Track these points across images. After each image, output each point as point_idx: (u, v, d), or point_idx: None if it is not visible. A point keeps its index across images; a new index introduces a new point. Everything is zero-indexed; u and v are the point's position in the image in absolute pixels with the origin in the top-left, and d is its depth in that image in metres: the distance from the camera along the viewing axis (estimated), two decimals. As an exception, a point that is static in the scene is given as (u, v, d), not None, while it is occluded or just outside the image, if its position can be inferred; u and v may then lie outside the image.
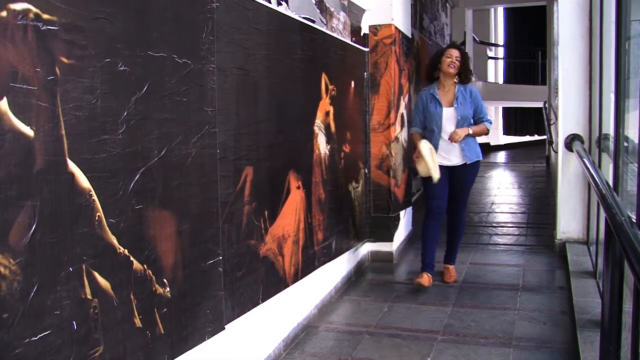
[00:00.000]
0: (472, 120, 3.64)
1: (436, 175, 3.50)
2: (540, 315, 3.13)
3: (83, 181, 1.51)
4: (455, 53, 3.63)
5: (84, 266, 1.52)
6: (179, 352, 1.92)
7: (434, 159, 3.53)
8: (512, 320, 3.07)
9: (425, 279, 3.61)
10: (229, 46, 2.23)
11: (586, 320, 2.71)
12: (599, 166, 3.45)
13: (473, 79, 10.55)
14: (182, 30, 1.93)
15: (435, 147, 3.59)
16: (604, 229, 2.28)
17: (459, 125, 3.58)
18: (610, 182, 2.76)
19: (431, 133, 3.66)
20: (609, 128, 3.21)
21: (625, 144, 2.69)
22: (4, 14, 1.28)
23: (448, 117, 3.61)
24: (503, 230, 5.33)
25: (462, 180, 3.67)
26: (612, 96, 2.96)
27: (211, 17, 2.08)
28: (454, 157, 3.63)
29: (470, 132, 3.57)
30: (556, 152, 4.60)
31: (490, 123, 3.69)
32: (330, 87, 3.41)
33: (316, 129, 3.22)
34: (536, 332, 2.92)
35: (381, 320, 3.14)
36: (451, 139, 3.54)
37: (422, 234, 3.74)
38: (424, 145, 3.53)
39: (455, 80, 3.65)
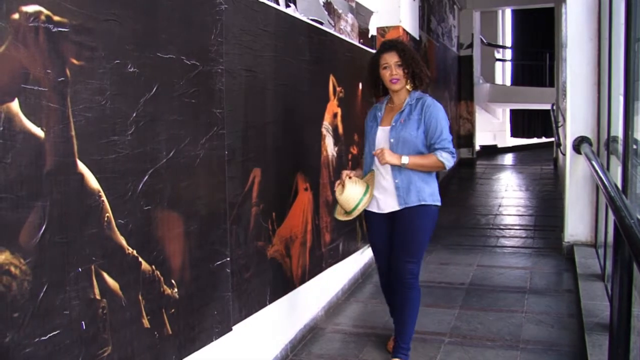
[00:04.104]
0: (420, 147, 2.49)
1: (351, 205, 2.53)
2: (547, 318, 3.12)
3: (92, 182, 1.52)
4: (392, 59, 2.51)
5: (93, 266, 1.53)
6: (187, 352, 1.93)
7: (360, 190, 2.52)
8: (520, 323, 3.06)
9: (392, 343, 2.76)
10: (237, 48, 2.24)
11: (594, 324, 2.69)
12: (608, 169, 3.42)
13: (480, 81, 10.58)
14: (191, 32, 1.94)
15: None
16: (612, 231, 2.26)
17: (395, 151, 2.47)
18: (619, 185, 2.75)
19: (365, 162, 2.70)
20: (618, 130, 3.19)
21: (634, 146, 2.68)
22: (16, 16, 1.29)
23: (381, 140, 2.56)
24: (510, 232, 5.30)
25: (399, 231, 2.52)
26: (621, 98, 2.94)
27: (220, 18, 2.09)
28: (389, 198, 2.55)
29: (405, 162, 2.42)
30: (564, 155, 4.58)
31: (452, 155, 2.46)
32: (338, 89, 3.41)
33: (324, 130, 3.22)
34: (544, 335, 2.91)
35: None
36: (377, 158, 2.48)
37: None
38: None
39: (408, 87, 2.57)
